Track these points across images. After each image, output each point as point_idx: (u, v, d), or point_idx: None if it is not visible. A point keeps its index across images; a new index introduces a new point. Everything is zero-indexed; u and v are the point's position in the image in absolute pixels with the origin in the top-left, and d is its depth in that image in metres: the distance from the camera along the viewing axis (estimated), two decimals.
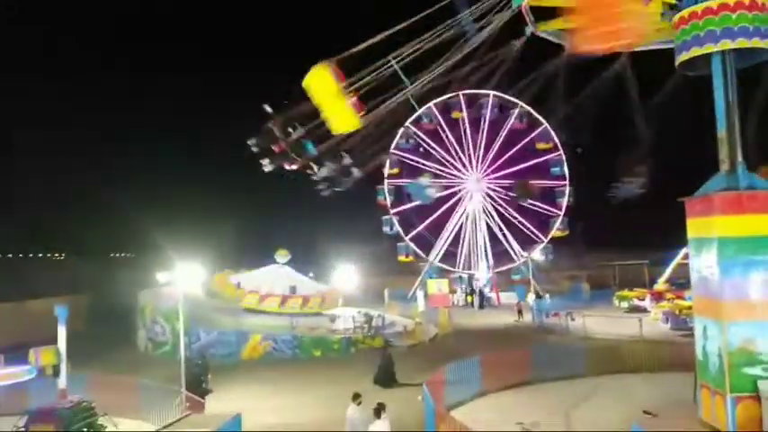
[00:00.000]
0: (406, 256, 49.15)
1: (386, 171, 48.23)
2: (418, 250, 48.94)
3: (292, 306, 33.68)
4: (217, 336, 28.35)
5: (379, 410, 12.78)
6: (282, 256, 37.58)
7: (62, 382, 15.71)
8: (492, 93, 47.05)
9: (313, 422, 17.44)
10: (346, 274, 40.25)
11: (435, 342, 30.92)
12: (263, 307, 33.25)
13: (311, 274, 43.83)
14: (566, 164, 47.83)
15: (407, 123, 47.46)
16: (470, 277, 50.15)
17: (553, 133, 47.68)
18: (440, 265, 49.46)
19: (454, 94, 46.43)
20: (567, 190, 48.06)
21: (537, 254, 47.84)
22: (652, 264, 47.47)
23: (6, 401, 18.03)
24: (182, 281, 19.95)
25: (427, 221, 49.72)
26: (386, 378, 21.89)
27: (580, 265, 56.54)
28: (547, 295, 39.70)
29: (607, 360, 21.42)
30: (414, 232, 49.39)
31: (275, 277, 36.15)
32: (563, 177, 48.10)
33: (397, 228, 48.52)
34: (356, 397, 13.65)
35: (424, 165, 49.45)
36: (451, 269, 49.69)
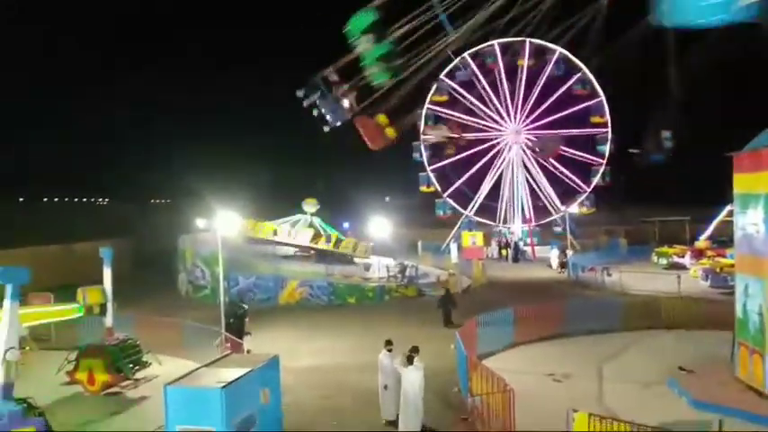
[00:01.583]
0: (443, 213, 48.90)
1: (430, 94, 47.00)
2: (456, 205, 48.44)
3: (324, 243, 34.33)
4: (255, 280, 29.09)
5: (411, 357, 13.02)
6: (311, 205, 37.47)
7: (109, 320, 16.37)
8: (528, 39, 45.79)
9: (346, 366, 17.92)
10: (380, 226, 40.48)
11: (468, 293, 31.09)
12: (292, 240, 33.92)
13: (346, 225, 44.21)
14: (610, 143, 46.76)
15: (466, 54, 46.09)
16: (503, 231, 49.78)
17: (607, 108, 46.49)
18: (474, 218, 49.09)
19: (521, 39, 45.38)
20: (603, 170, 47.28)
21: (574, 208, 47.10)
22: (694, 220, 46.31)
23: (57, 337, 19.04)
24: (220, 227, 20.37)
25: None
26: (445, 317, 22.69)
27: (619, 220, 55.52)
28: (570, 251, 39.32)
29: (643, 315, 21.27)
30: (440, 164, 48.43)
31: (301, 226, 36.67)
32: (603, 156, 47.15)
33: (424, 157, 47.49)
34: (388, 344, 13.91)
35: (470, 101, 48.22)
36: (486, 222, 49.32)
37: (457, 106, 48.35)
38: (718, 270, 30.52)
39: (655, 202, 58.40)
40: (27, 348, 13.06)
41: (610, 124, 46.72)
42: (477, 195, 49.39)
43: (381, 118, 32.17)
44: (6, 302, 11.08)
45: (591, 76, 46.50)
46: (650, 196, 59.89)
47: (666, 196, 59.01)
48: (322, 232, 35.64)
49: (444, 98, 47.67)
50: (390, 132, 32.60)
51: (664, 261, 37.88)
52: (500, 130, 49.15)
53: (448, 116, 48.16)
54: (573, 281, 34.11)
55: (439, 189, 48.40)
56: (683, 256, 37.17)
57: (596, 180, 47.50)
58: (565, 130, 47.99)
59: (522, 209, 49.88)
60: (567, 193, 48.82)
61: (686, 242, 42.05)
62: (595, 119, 46.96)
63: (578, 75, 46.82)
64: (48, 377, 15.85)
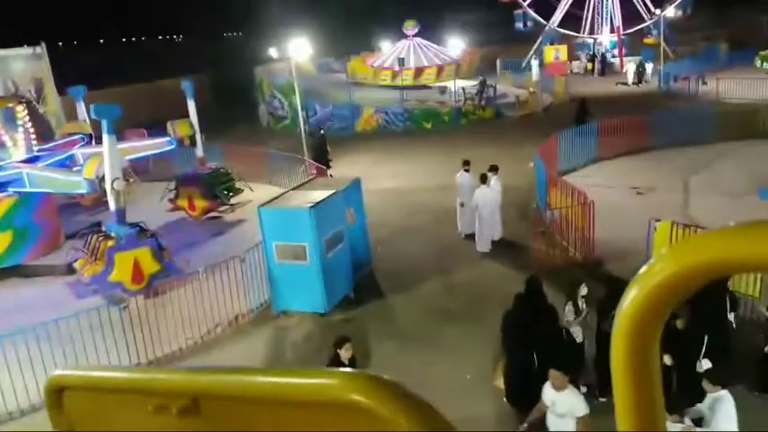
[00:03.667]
0: (524, 25, 45.49)
1: None
2: (537, 16, 44.70)
3: (426, 78, 33.61)
4: (332, 110, 29.31)
5: (485, 176, 13.12)
6: (411, 27, 36.65)
7: (199, 150, 17.27)
8: None
9: (424, 187, 18.39)
10: (457, 44, 38.77)
11: (550, 111, 30.09)
12: (397, 83, 32.86)
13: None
14: None
15: None
16: (584, 41, 46.20)
17: None
18: (558, 29, 45.62)
19: None
20: None
21: (670, 11, 42.64)
22: None
23: (155, 169, 20.43)
24: (293, 55, 20.14)
25: None
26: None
27: (719, 22, 50.05)
28: (649, 64, 36.54)
29: (738, 125, 20.03)
30: None
31: (408, 51, 35.77)
32: None
33: None
34: (465, 164, 14.04)
35: None
36: (571, 33, 45.81)
37: None
38: None
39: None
40: (131, 180, 14.10)
41: None
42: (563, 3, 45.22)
43: None
44: (105, 137, 11.83)
45: None
46: None
47: None
48: (424, 58, 34.74)
49: None
50: None
51: None
52: None
53: None
54: (663, 92, 32.10)
55: (543, 22, 44.42)
56: None
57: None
58: None
59: (611, 16, 45.73)
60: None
61: None
62: None
63: None
64: (152, 205, 17.31)
